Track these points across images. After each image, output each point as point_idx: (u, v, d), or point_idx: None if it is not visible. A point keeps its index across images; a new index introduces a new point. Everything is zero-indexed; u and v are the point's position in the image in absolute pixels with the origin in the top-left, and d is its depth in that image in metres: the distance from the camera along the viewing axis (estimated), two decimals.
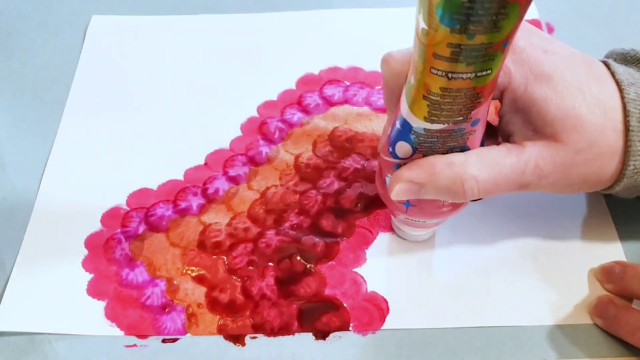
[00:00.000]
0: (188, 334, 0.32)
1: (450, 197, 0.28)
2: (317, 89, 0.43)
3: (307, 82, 0.44)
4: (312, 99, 0.43)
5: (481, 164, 0.27)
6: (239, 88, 0.43)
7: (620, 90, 0.29)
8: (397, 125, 0.27)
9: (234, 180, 0.38)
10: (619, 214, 0.36)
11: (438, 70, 0.23)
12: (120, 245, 0.35)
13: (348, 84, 0.44)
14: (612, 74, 0.30)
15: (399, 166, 0.29)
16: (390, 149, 0.28)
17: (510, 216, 0.36)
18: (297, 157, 0.39)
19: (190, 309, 0.33)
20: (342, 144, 0.40)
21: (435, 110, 0.25)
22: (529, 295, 0.33)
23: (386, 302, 0.33)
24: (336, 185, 0.38)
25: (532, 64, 0.28)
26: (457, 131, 0.26)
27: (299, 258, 0.35)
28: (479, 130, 0.27)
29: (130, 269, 0.35)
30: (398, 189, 0.28)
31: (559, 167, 0.28)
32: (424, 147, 0.27)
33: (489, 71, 0.23)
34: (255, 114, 0.42)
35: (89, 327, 0.32)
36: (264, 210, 0.37)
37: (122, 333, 0.32)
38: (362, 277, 0.34)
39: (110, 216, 0.37)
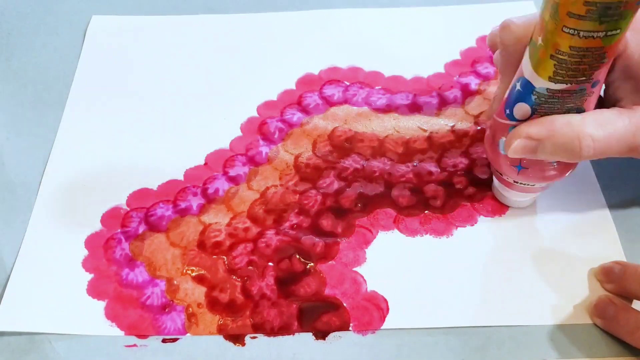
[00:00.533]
0: (188, 334, 0.32)
1: (566, 156, 0.29)
2: (316, 89, 0.43)
3: (307, 82, 0.44)
4: (312, 99, 0.43)
5: (597, 124, 0.29)
6: (239, 88, 0.43)
7: None
8: (517, 87, 0.29)
9: (234, 180, 0.38)
10: (619, 214, 0.36)
11: (570, 28, 0.25)
12: (120, 245, 0.35)
13: (348, 84, 0.44)
14: None
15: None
16: (508, 111, 0.30)
17: (509, 216, 0.36)
18: (296, 157, 0.39)
19: (190, 309, 0.33)
20: (342, 144, 0.40)
21: (561, 69, 0.26)
22: (529, 295, 0.33)
23: (386, 301, 0.33)
24: (336, 185, 0.38)
25: None
26: (577, 92, 0.27)
27: (298, 257, 0.35)
28: (597, 93, 0.29)
29: (130, 269, 0.35)
30: (516, 145, 0.30)
31: None
32: (543, 109, 0.29)
33: (618, 31, 0.25)
34: (255, 114, 0.42)
35: (89, 327, 0.32)
36: (264, 210, 0.37)
37: (122, 333, 0.32)
38: (362, 277, 0.34)
39: (110, 216, 0.37)
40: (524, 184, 0.33)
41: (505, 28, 0.31)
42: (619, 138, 0.29)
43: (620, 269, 0.32)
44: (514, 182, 0.33)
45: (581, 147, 0.29)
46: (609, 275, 0.33)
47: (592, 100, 0.29)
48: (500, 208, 0.36)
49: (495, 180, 0.36)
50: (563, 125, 0.29)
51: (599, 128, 0.29)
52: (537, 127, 0.29)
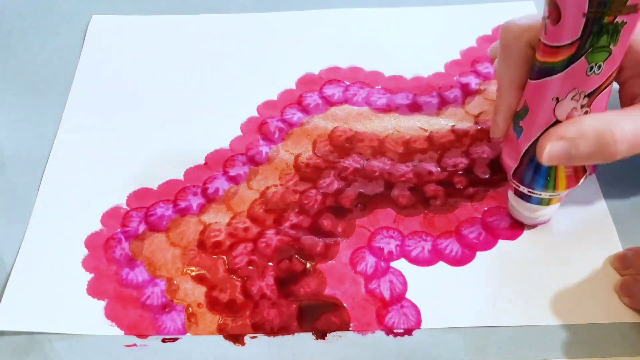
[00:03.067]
0: (188, 334, 0.32)
1: (601, 154, 0.28)
2: (317, 89, 0.43)
3: (307, 81, 0.44)
4: (312, 99, 0.43)
5: (623, 117, 0.28)
6: (239, 88, 0.44)
7: None
8: None
9: (234, 180, 0.38)
10: (619, 213, 0.36)
11: None
12: (120, 245, 0.35)
13: (348, 83, 0.44)
14: None
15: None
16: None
17: (508, 216, 0.36)
18: (297, 156, 0.39)
19: (190, 309, 0.33)
20: (342, 144, 0.40)
21: None
22: (529, 295, 0.33)
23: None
24: (336, 184, 0.38)
25: None
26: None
27: (298, 257, 0.35)
28: (608, 92, 0.28)
29: (130, 268, 0.35)
30: (550, 148, 0.28)
31: None
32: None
33: None
34: (255, 113, 0.42)
35: (89, 327, 0.32)
36: (264, 210, 0.37)
37: (122, 333, 0.32)
38: (362, 277, 0.34)
39: (110, 216, 0.37)
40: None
41: (506, 28, 0.31)
42: None
43: (632, 254, 0.33)
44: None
45: (615, 141, 0.28)
46: (623, 262, 0.33)
47: (602, 98, 0.29)
48: (499, 208, 0.36)
49: (514, 201, 0.34)
50: (592, 120, 0.28)
51: (626, 121, 0.28)
52: (566, 127, 0.28)
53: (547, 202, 0.33)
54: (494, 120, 0.33)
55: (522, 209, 0.34)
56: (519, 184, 0.32)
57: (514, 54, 0.31)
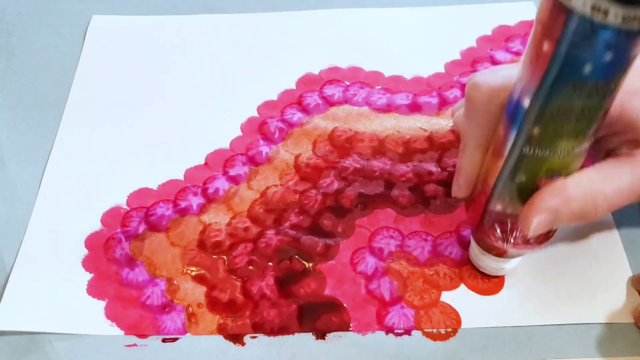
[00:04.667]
0: (188, 334, 0.32)
1: (581, 219, 0.27)
2: (317, 89, 0.43)
3: (307, 81, 0.44)
4: (312, 99, 0.43)
5: (604, 179, 0.28)
6: (239, 88, 0.44)
7: None
8: None
9: (234, 180, 0.38)
10: (620, 214, 0.36)
11: None
12: (121, 244, 0.35)
13: (348, 83, 0.44)
14: None
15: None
16: None
17: None
18: (297, 156, 0.39)
19: (190, 309, 0.33)
20: (342, 144, 0.40)
21: None
22: (529, 295, 0.33)
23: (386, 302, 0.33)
24: (336, 185, 0.38)
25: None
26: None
27: (298, 257, 0.35)
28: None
29: (130, 268, 0.35)
30: (537, 221, 0.27)
31: None
32: None
33: None
34: (255, 113, 0.42)
35: (89, 327, 0.32)
36: (264, 210, 0.37)
37: (122, 332, 0.32)
38: (362, 277, 0.34)
39: (111, 216, 0.37)
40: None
41: (475, 86, 0.28)
42: (629, 189, 0.28)
43: None
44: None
45: (596, 207, 0.27)
46: None
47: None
48: None
49: (477, 251, 0.33)
50: (575, 188, 0.27)
51: (607, 183, 0.27)
52: (550, 197, 0.26)
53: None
54: (456, 180, 0.31)
55: (487, 260, 0.32)
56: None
57: (482, 116, 0.28)
